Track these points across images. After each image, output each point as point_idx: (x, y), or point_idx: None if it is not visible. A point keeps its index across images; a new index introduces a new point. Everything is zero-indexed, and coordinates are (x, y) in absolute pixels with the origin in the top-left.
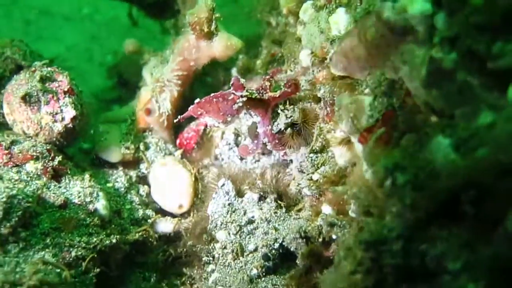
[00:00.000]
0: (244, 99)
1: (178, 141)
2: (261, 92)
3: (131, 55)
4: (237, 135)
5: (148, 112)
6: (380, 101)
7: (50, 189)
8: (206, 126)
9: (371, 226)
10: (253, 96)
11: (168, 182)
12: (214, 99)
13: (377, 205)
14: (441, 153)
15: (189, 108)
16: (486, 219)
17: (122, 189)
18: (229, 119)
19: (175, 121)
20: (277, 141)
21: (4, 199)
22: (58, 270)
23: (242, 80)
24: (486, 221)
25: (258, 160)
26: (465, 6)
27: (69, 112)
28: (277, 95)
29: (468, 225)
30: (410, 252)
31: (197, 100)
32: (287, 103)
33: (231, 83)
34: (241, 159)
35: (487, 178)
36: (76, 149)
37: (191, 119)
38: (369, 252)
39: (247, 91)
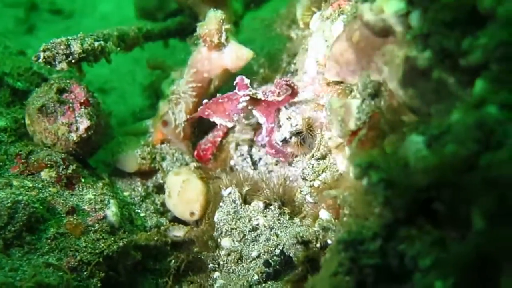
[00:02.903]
0: (247, 98)
1: (195, 152)
2: (266, 94)
3: (155, 71)
4: (251, 146)
5: (165, 123)
6: (367, 103)
7: (62, 196)
8: (223, 137)
9: (352, 226)
10: (257, 97)
11: (181, 191)
12: (220, 100)
13: (361, 207)
14: (414, 150)
15: (198, 109)
16: (457, 216)
17: (138, 197)
18: (235, 118)
19: (185, 118)
20: (272, 144)
21: (9, 204)
22: (61, 273)
23: (247, 80)
24: (458, 218)
25: (271, 171)
26: (435, 3)
27: (84, 123)
28: (280, 99)
29: (441, 222)
30: (388, 252)
31: (205, 101)
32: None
33: (235, 82)
34: (254, 169)
35: (456, 175)
36: (98, 160)
37: (207, 128)
38: (348, 252)
39: (250, 90)
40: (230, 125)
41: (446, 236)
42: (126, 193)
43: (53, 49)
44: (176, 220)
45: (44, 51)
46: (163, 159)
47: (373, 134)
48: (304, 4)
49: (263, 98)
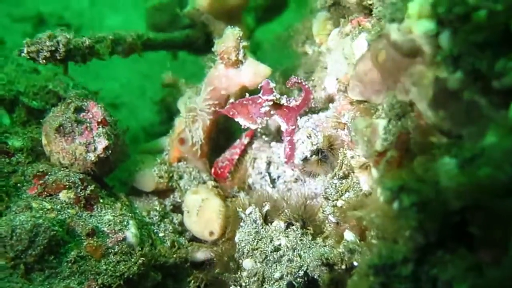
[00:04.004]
0: (271, 102)
1: (212, 170)
2: (289, 100)
3: (169, 88)
4: (269, 163)
5: (182, 141)
6: (394, 124)
7: (81, 217)
8: (240, 155)
9: (382, 250)
10: (280, 102)
11: (200, 210)
12: (245, 101)
13: (390, 229)
14: (447, 173)
15: (225, 107)
16: (494, 241)
17: (157, 217)
18: (258, 121)
19: (202, 136)
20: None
21: (29, 228)
22: None
23: (272, 84)
24: (494, 244)
25: (290, 189)
26: (467, 23)
27: (102, 142)
28: (298, 103)
29: (477, 247)
30: (421, 276)
31: (231, 101)
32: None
33: (260, 85)
34: (273, 187)
35: (492, 199)
36: (114, 179)
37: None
38: (379, 276)
39: (274, 95)
40: (253, 127)
41: (481, 260)
42: (144, 213)
43: (37, 44)
44: (194, 240)
45: (28, 45)
46: (181, 177)
47: (401, 155)
48: (321, 20)
49: (285, 104)
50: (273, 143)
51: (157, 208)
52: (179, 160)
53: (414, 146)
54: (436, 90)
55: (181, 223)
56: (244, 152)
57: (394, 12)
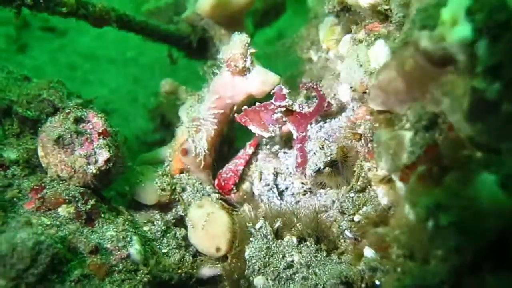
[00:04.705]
0: (283, 109)
1: (216, 182)
2: (302, 106)
3: (169, 95)
4: (276, 175)
5: (185, 152)
6: (422, 136)
7: (82, 233)
8: (245, 166)
9: (414, 270)
10: (293, 108)
11: (206, 225)
12: (257, 108)
13: (420, 248)
14: (487, 191)
15: (237, 115)
16: None
17: (159, 232)
18: (270, 128)
19: (206, 146)
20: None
21: (31, 245)
22: None
23: (285, 90)
24: None
25: (299, 201)
26: (508, 32)
27: (103, 154)
28: (312, 110)
29: None
30: None
31: (244, 107)
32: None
33: (273, 91)
34: (281, 199)
35: None
36: (113, 192)
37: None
38: None
39: (287, 102)
40: (266, 135)
41: None
42: (145, 228)
43: None
44: (199, 255)
45: None
46: (183, 190)
47: (431, 169)
48: (328, 25)
49: (298, 110)
50: (280, 154)
51: (159, 223)
52: (181, 172)
53: (445, 160)
54: (473, 101)
55: (185, 238)
56: (249, 163)
57: (425, 19)
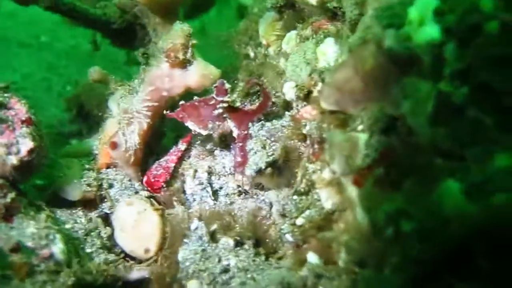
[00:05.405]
0: (225, 104)
1: (145, 179)
2: (244, 103)
3: (94, 85)
4: (210, 173)
5: (114, 145)
6: (378, 139)
7: (0, 230)
8: (177, 163)
9: (369, 280)
10: (235, 105)
11: (133, 224)
12: (196, 103)
13: (373, 255)
14: (451, 198)
15: (175, 111)
16: (504, 274)
17: (82, 230)
18: (210, 125)
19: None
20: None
21: None
22: None
23: (227, 85)
24: (505, 277)
25: (233, 202)
26: (479, 35)
27: (26, 144)
28: (255, 108)
29: (482, 281)
30: None
31: (181, 103)
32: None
33: (214, 85)
34: (215, 199)
35: (505, 228)
36: (29, 185)
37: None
38: None
39: (229, 97)
40: (204, 133)
41: None
42: (67, 226)
43: None
44: (125, 256)
45: None
46: (111, 186)
47: (388, 174)
48: (269, 21)
49: (240, 107)
50: (216, 151)
51: (82, 220)
52: (107, 166)
53: (402, 165)
54: (437, 104)
55: (110, 238)
56: (181, 160)
57: (390, 17)
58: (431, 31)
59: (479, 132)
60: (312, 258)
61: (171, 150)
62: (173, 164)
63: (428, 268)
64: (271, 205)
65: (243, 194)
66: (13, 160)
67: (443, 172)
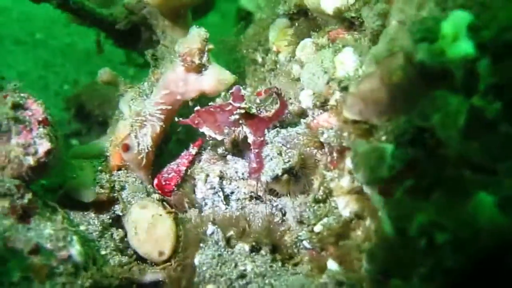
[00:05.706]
0: (242, 111)
1: (155, 182)
2: (260, 109)
3: (96, 85)
4: (222, 178)
5: (126, 148)
6: (404, 150)
7: (18, 231)
8: (188, 166)
9: None
10: (251, 111)
11: (147, 227)
12: (212, 109)
13: (400, 264)
14: (485, 211)
15: (190, 117)
16: None
17: (96, 232)
18: (226, 131)
19: (150, 143)
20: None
21: None
22: None
23: (244, 91)
24: None
25: (244, 207)
26: None
27: (43, 145)
28: (271, 115)
29: None
30: None
31: (196, 108)
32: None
33: (230, 91)
34: (226, 204)
35: None
36: (39, 186)
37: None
38: None
39: (246, 103)
40: (219, 138)
41: None
42: (82, 227)
43: None
44: (139, 259)
45: None
46: (122, 188)
47: (418, 185)
48: (280, 28)
49: (256, 113)
50: (229, 156)
51: (96, 222)
52: (119, 168)
53: (429, 177)
54: (470, 118)
55: (122, 240)
56: (192, 164)
57: (424, 31)
58: (465, 47)
59: (511, 147)
60: (332, 265)
61: (182, 154)
62: (184, 168)
63: (457, 278)
64: (284, 211)
65: (254, 199)
66: (30, 160)
67: (474, 185)
